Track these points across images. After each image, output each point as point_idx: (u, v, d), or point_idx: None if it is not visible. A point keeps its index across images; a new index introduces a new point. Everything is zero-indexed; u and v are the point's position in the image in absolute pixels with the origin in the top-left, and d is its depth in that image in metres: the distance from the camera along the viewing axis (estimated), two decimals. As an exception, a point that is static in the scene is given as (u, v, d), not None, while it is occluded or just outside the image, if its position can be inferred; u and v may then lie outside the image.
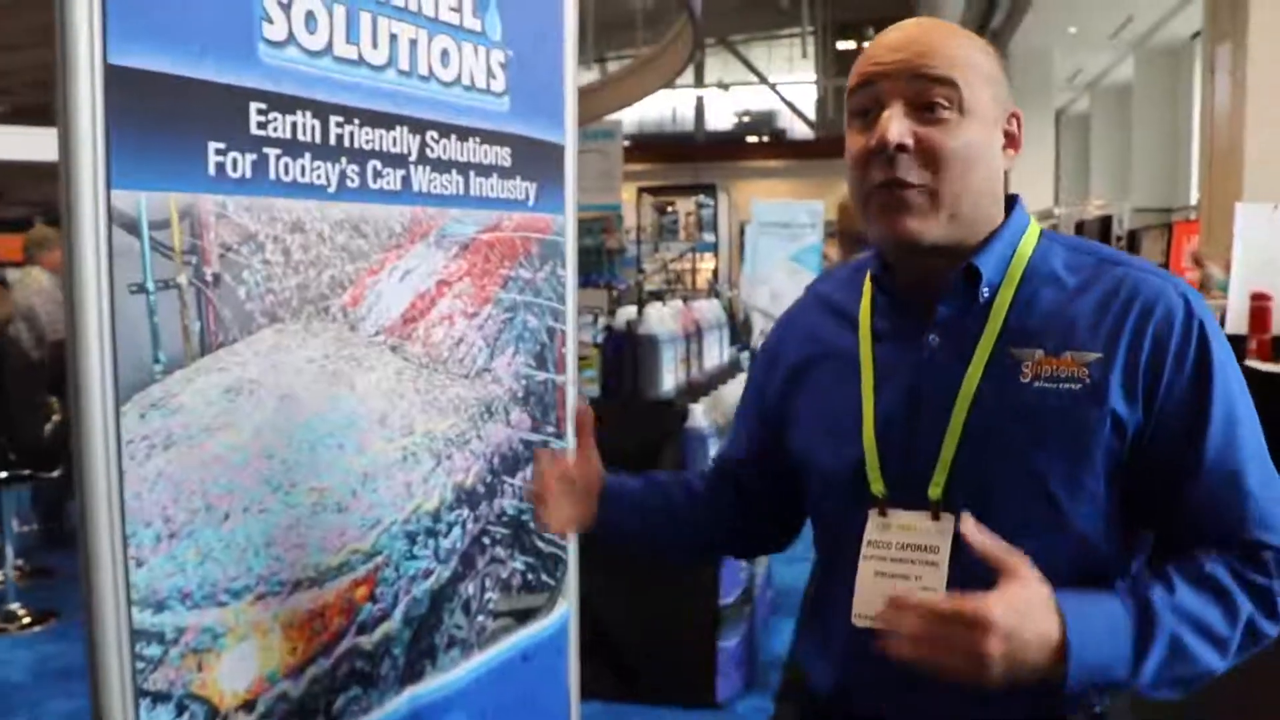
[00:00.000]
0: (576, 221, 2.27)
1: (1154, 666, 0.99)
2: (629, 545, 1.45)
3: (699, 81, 25.09)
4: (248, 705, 1.55)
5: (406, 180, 1.79)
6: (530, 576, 2.16)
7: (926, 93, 1.08)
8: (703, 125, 25.75)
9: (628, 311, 3.66)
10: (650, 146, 24.62)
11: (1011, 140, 1.16)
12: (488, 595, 2.04)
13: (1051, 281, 1.14)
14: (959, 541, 1.06)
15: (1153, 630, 1.00)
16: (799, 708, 1.33)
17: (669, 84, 6.06)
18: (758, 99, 25.26)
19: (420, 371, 1.84)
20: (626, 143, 25.53)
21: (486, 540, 2.02)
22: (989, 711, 1.07)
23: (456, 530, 1.94)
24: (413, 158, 1.80)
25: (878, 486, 1.17)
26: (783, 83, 24.02)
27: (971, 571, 1.01)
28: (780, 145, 24.33)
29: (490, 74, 1.97)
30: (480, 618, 2.02)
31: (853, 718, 1.22)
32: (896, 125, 1.08)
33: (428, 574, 1.88)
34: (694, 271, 7.31)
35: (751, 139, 25.09)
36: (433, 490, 1.88)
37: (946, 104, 1.08)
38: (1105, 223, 15.20)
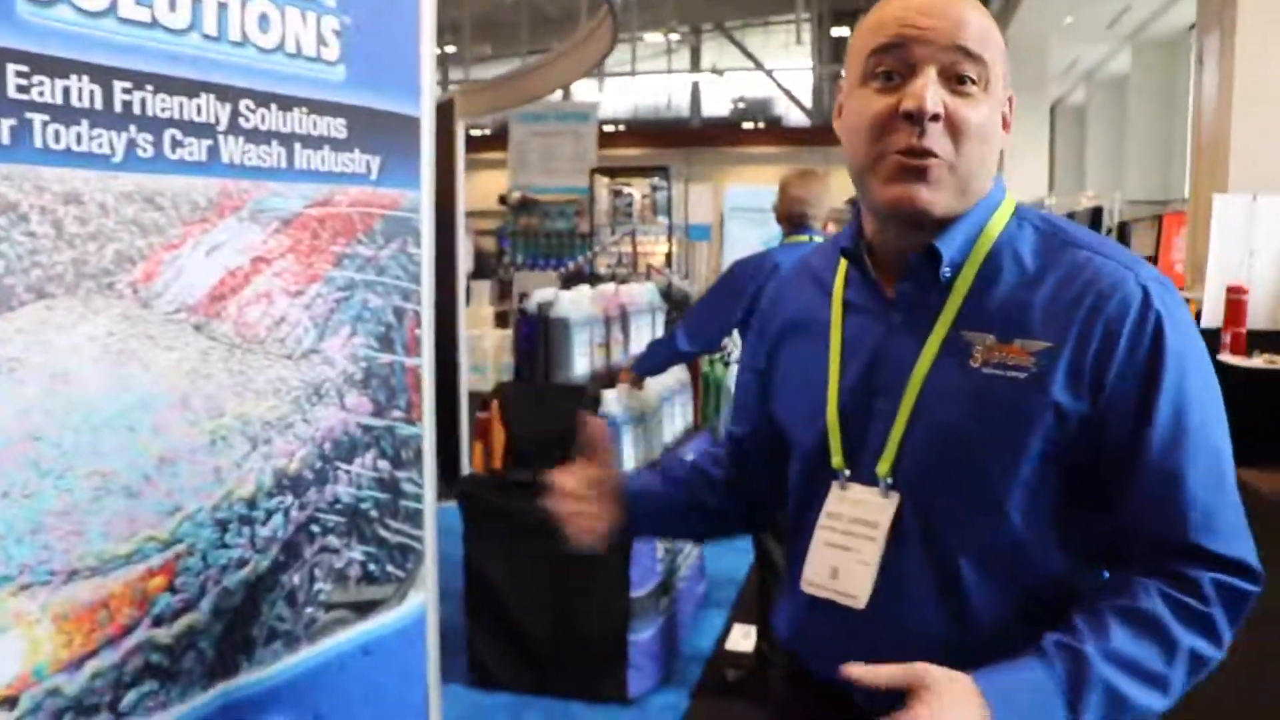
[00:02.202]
0: (434, 197, 2.18)
1: (1091, 716, 0.97)
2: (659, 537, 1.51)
3: (695, 67, 24.97)
4: (9, 701, 1.47)
5: (214, 151, 1.70)
6: (372, 568, 2.08)
7: (959, 65, 1.07)
8: (698, 111, 25.62)
9: (544, 294, 3.57)
10: (644, 133, 24.50)
11: (1005, 122, 1.15)
12: (318, 586, 1.95)
13: (1014, 264, 1.12)
14: (900, 518, 1.12)
15: (1085, 684, 0.98)
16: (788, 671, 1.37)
17: (588, 74, 5.98)
18: (753, 85, 25.10)
19: (232, 352, 1.76)
20: (621, 127, 25.50)
21: (316, 529, 1.94)
22: None
23: (278, 518, 1.85)
24: (221, 127, 1.71)
25: (837, 460, 1.20)
26: (779, 69, 23.86)
27: (906, 549, 1.06)
28: (776, 132, 24.18)
29: (322, 41, 1.87)
30: (309, 610, 1.94)
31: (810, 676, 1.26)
32: (934, 93, 1.06)
33: (242, 564, 1.80)
34: (635, 254, 7.21)
35: (747, 125, 24.93)
36: (247, 476, 1.79)
37: (975, 79, 1.08)
38: (1096, 214, 15.08)
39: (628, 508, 1.43)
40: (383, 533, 2.10)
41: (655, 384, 3.88)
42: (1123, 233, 14.60)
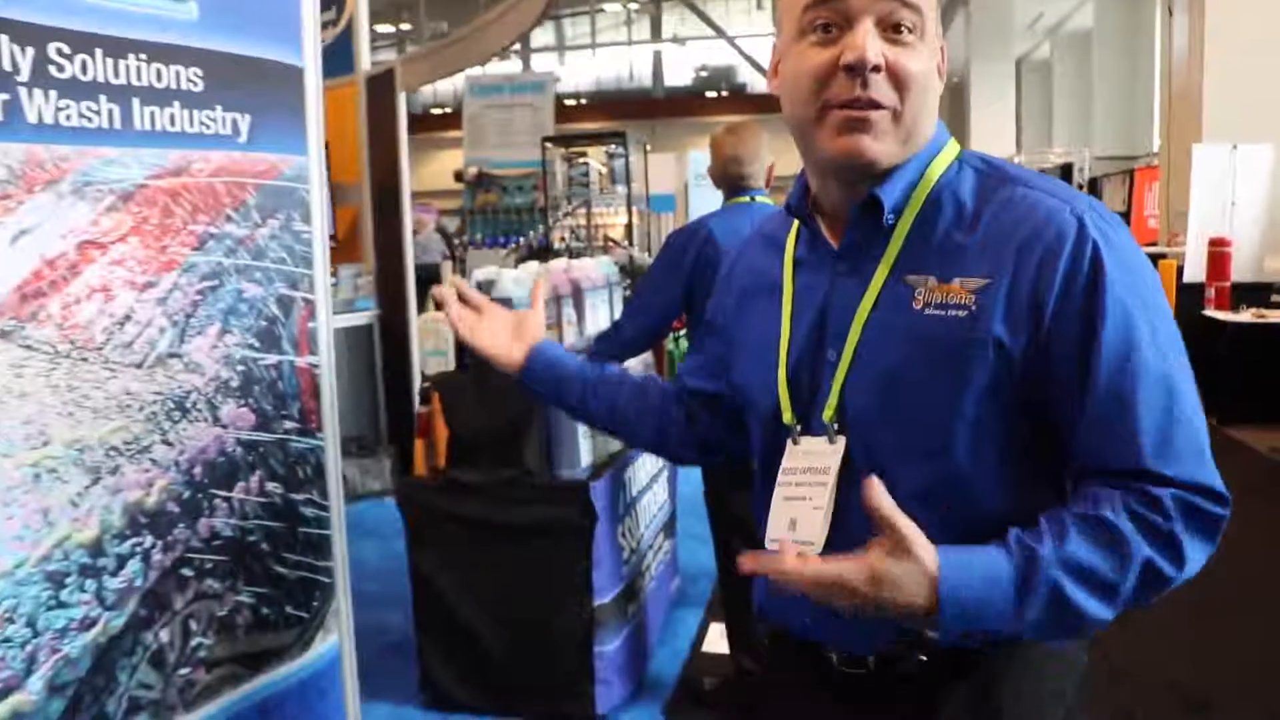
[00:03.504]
0: (324, 163, 1.83)
1: (1034, 615, 1.00)
2: (565, 410, 1.54)
3: (656, 36, 24.54)
4: None
5: (14, 108, 1.34)
6: (267, 611, 1.73)
7: (895, 14, 1.08)
8: (661, 82, 25.20)
9: (484, 272, 3.22)
10: (608, 105, 24.09)
11: (940, 70, 1.15)
12: (195, 642, 1.61)
13: (953, 206, 1.14)
14: (848, 461, 1.14)
15: (1033, 580, 1.00)
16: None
17: (540, 46, 5.66)
18: (716, 54, 24.69)
19: (56, 362, 1.40)
20: (583, 101, 25.07)
21: (189, 572, 1.59)
22: (884, 632, 1.12)
23: (134, 564, 1.50)
24: (23, 78, 1.34)
25: (788, 416, 1.21)
26: (741, 35, 23.46)
27: (856, 491, 1.02)
28: (741, 99, 23.80)
29: (163, -29, 1.51)
30: (184, 671, 1.59)
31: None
32: (874, 44, 1.07)
33: (87, 624, 1.45)
34: (589, 227, 6.83)
35: (711, 94, 24.52)
36: (88, 516, 1.44)
37: (911, 28, 1.09)
38: (1066, 171, 14.85)
39: (532, 360, 1.52)
40: (278, 569, 1.75)
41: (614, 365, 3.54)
42: (1094, 188, 14.40)
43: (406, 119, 5.99)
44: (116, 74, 1.45)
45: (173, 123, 1.53)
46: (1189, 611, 3.11)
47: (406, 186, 5.99)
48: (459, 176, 10.48)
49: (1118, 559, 1.02)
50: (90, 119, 1.42)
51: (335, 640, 1.89)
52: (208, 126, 1.59)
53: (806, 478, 1.18)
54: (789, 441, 1.21)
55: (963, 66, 18.67)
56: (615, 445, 3.46)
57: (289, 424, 1.75)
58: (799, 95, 1.12)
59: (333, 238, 6.13)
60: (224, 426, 1.63)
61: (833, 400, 1.16)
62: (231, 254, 1.63)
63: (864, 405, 1.14)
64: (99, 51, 1.43)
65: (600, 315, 3.85)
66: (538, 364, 1.52)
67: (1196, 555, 1.04)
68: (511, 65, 25.39)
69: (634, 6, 23.19)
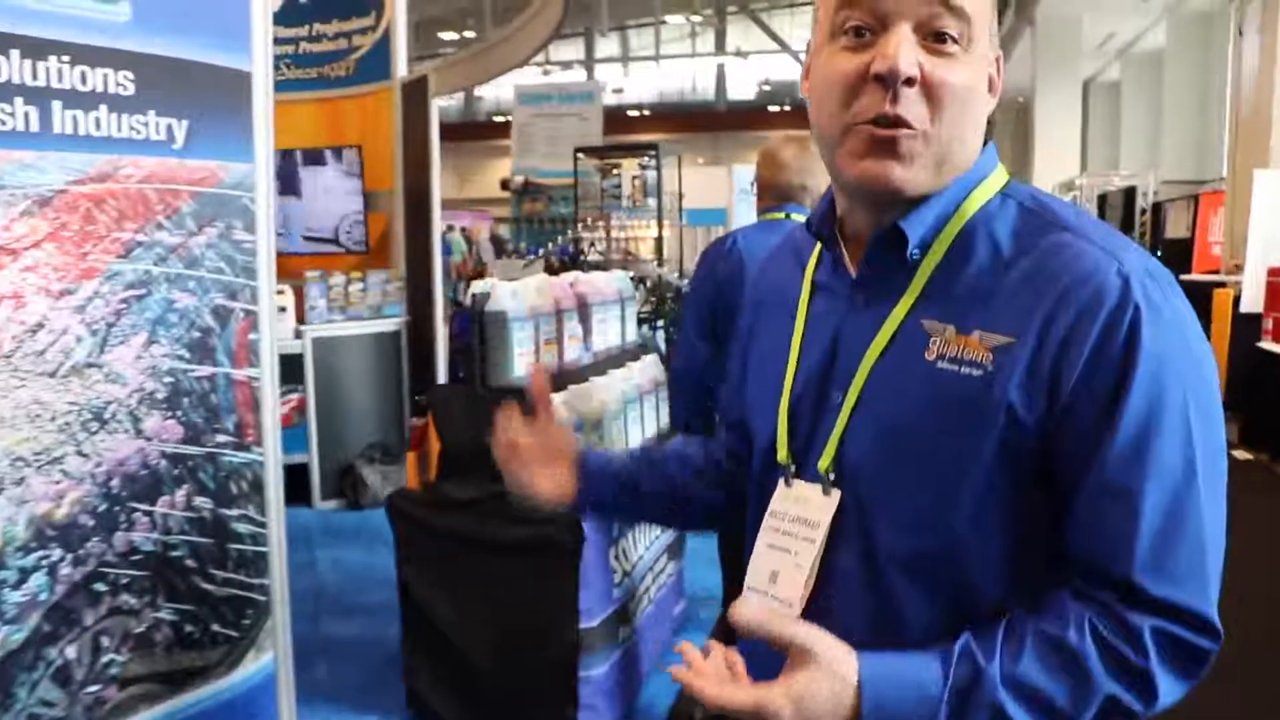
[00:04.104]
0: (271, 170, 1.79)
1: None
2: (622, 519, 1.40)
3: (719, 50, 24.50)
4: None
5: (-83, 108, 1.31)
6: (190, 629, 1.69)
7: (938, 20, 0.95)
8: (724, 95, 25.14)
9: (481, 285, 3.17)
10: (670, 117, 24.10)
11: (992, 85, 1.02)
12: (107, 658, 1.57)
13: (988, 246, 1.01)
14: (839, 517, 1.05)
15: (975, 698, 0.91)
16: None
17: (540, 50, 5.59)
18: (780, 67, 24.56)
19: (-42, 369, 1.37)
20: (645, 112, 25.08)
21: (102, 587, 1.55)
22: None
23: (38, 577, 1.47)
24: (-72, 78, 1.32)
25: (783, 454, 1.11)
26: (805, 50, 23.32)
27: (843, 552, 1.00)
28: (804, 114, 23.59)
29: (93, -28, 1.48)
30: (93, 689, 1.55)
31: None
32: (909, 53, 0.94)
33: (-16, 638, 1.41)
34: (608, 239, 6.73)
35: (773, 108, 24.40)
36: (-11, 527, 1.41)
37: (956, 37, 0.96)
38: (1129, 194, 14.50)
39: (582, 473, 1.29)
40: (204, 585, 1.70)
41: (617, 384, 3.46)
42: (1157, 212, 14.04)
43: (439, 126, 5.99)
44: (35, 76, 1.42)
45: (98, 127, 1.50)
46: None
47: (437, 194, 5.99)
48: (505, 185, 10.51)
49: (1076, 690, 0.93)
50: (4, 121, 1.39)
51: (270, 658, 1.84)
52: (138, 131, 1.55)
53: (794, 527, 1.09)
54: (781, 480, 1.11)
55: (1029, 86, 18.36)
56: (615, 464, 3.39)
57: (222, 437, 1.71)
58: (824, 105, 1.01)
59: (364, 244, 6.19)
60: (147, 439, 1.59)
61: (830, 448, 1.06)
62: (162, 262, 1.60)
63: (862, 458, 1.04)
64: (14, 53, 1.40)
65: (610, 330, 3.78)
66: (592, 476, 1.30)
67: (1173, 691, 0.94)
68: (575, 75, 25.57)
69: (698, 19, 23.16)
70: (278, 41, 6.36)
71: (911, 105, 0.95)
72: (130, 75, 1.53)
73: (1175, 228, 13.26)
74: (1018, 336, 0.95)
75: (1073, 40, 17.69)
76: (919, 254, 1.02)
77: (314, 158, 6.16)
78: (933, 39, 0.96)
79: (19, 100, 1.41)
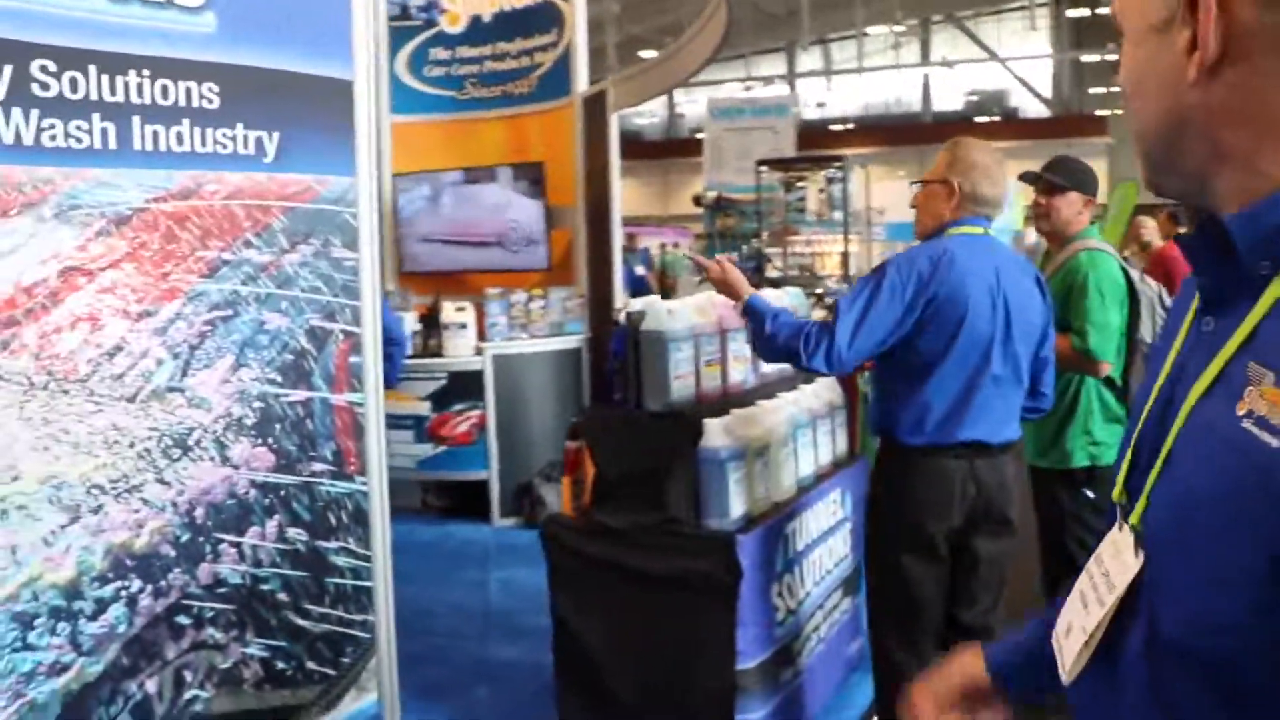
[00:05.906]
0: (374, 185, 1.70)
1: None
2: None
3: (924, 60, 23.78)
4: None
5: (-12, 127, 1.28)
6: (283, 666, 1.61)
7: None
8: (929, 106, 24.38)
9: (637, 302, 3.04)
10: (874, 129, 23.57)
11: (1195, 40, 0.78)
12: (189, 694, 1.50)
13: None
14: (1136, 586, 0.88)
15: None
16: None
17: (711, 61, 5.39)
18: (987, 77, 23.63)
19: (30, 394, 1.33)
20: (850, 125, 24.61)
21: (185, 620, 1.49)
22: None
23: (116, 609, 1.41)
24: (-1, 95, 1.28)
25: (1118, 490, 0.96)
26: (1013, 58, 22.33)
27: (1131, 629, 0.86)
28: (1013, 125, 22.65)
29: (177, -18, 1.42)
30: (175, 725, 1.49)
31: None
32: None
33: (58, 669, 1.37)
34: (784, 254, 6.46)
35: (981, 119, 23.47)
36: (64, 556, 1.36)
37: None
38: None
39: (1002, 684, 1.13)
40: (299, 621, 1.63)
41: (786, 409, 3.27)
42: None
43: (622, 142, 5.94)
44: (113, 91, 1.38)
45: (180, 141, 1.45)
46: None
47: (617, 209, 5.93)
48: (698, 200, 10.42)
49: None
50: (80, 139, 1.35)
51: (373, 699, 1.74)
52: (224, 145, 1.49)
53: (1101, 581, 0.94)
54: (1118, 522, 0.95)
55: None
56: (780, 493, 3.19)
57: (319, 465, 1.63)
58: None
59: (545, 261, 6.18)
60: (234, 466, 1.53)
61: (1142, 502, 0.89)
62: (250, 281, 1.53)
63: (1159, 524, 0.88)
64: (92, 68, 1.35)
65: (777, 350, 3.59)
66: (1011, 674, 1.16)
67: None
68: (779, 90, 25.34)
69: (900, 30, 22.56)
70: (463, 62, 6.50)
71: None
72: (215, 88, 1.47)
73: None
74: None
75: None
76: (1268, 267, 0.81)
77: (496, 175, 6.23)
78: None
79: (96, 116, 1.37)
